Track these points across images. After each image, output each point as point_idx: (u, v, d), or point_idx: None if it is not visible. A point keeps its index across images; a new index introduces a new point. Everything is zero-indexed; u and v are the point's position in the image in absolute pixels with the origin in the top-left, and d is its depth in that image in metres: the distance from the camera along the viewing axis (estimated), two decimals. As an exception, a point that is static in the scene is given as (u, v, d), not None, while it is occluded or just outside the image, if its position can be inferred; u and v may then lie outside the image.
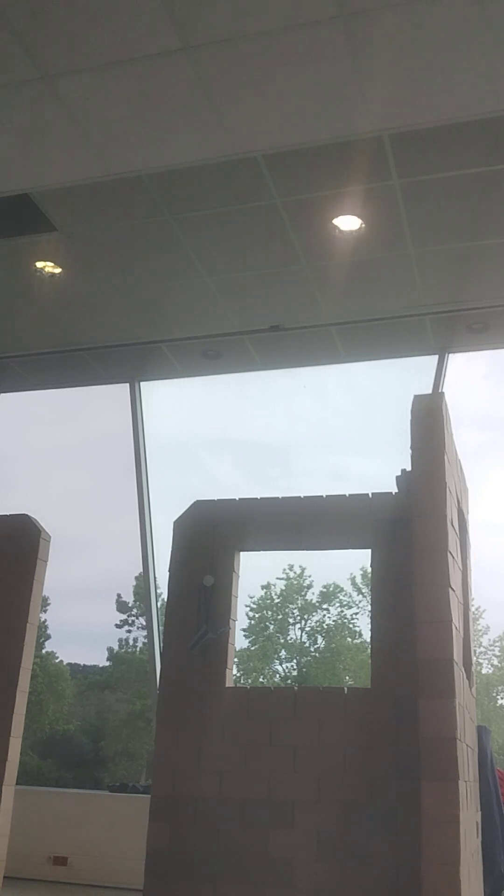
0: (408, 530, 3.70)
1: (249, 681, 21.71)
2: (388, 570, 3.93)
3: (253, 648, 22.72)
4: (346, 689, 3.93)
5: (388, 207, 4.99)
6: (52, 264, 5.83)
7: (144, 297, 6.18)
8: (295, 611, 23.45)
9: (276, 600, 23.41)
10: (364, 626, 22.43)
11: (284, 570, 23.38)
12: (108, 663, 23.75)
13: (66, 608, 27.83)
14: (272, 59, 3.87)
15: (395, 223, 5.13)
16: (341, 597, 23.14)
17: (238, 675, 21.11)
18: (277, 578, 23.41)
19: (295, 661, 23.04)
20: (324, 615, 23.18)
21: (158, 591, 7.39)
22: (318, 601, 23.33)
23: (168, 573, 4.30)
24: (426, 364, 6.60)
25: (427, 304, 5.99)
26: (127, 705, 22.24)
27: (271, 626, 23.23)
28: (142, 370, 7.23)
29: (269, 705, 3.92)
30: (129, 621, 23.62)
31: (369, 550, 4.02)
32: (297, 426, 10.00)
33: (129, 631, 23.62)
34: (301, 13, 3.62)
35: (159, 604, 7.05)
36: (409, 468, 3.73)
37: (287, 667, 23.05)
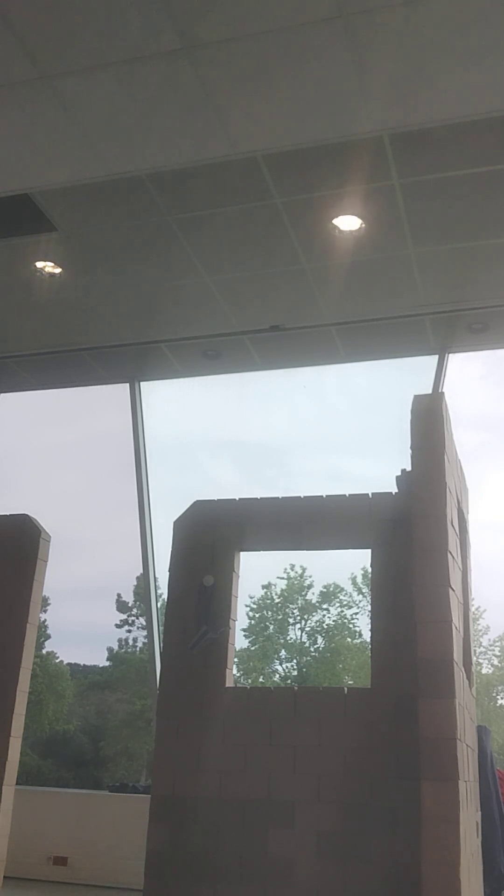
0: (408, 530, 3.70)
1: (249, 681, 21.71)
2: (388, 570, 3.93)
3: (253, 648, 22.73)
4: (346, 689, 3.94)
5: (388, 207, 4.99)
6: (52, 264, 5.83)
7: (144, 297, 6.18)
8: (295, 611, 23.45)
9: (277, 600, 23.42)
10: (364, 626, 22.45)
11: (285, 569, 23.42)
12: (108, 663, 23.78)
13: (66, 608, 27.88)
14: (272, 60, 3.87)
15: (395, 223, 5.13)
16: (341, 597, 23.15)
17: (238, 675, 21.12)
18: (278, 578, 23.46)
19: (295, 661, 23.05)
20: (324, 615, 23.20)
21: (158, 591, 7.39)
22: (318, 601, 23.34)
23: (168, 573, 4.30)
24: (426, 364, 6.60)
25: (427, 304, 5.99)
26: (127, 705, 22.26)
27: (271, 626, 23.23)
28: (142, 370, 7.23)
29: (269, 705, 3.92)
30: (129, 621, 23.66)
31: (369, 550, 4.03)
32: (297, 426, 9.99)
33: (129, 631, 23.67)
34: (301, 13, 3.62)
35: (159, 604, 7.05)
36: (409, 468, 3.73)
37: (287, 667, 23.07)
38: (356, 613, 22.83)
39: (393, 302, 6.02)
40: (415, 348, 6.57)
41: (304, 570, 23.52)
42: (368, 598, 12.03)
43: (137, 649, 23.26)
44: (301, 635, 23.20)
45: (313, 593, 23.43)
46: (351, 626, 22.89)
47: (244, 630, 22.32)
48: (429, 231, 5.20)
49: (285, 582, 23.56)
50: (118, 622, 23.71)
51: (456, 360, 6.61)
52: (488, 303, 5.94)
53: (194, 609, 4.14)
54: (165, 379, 7.36)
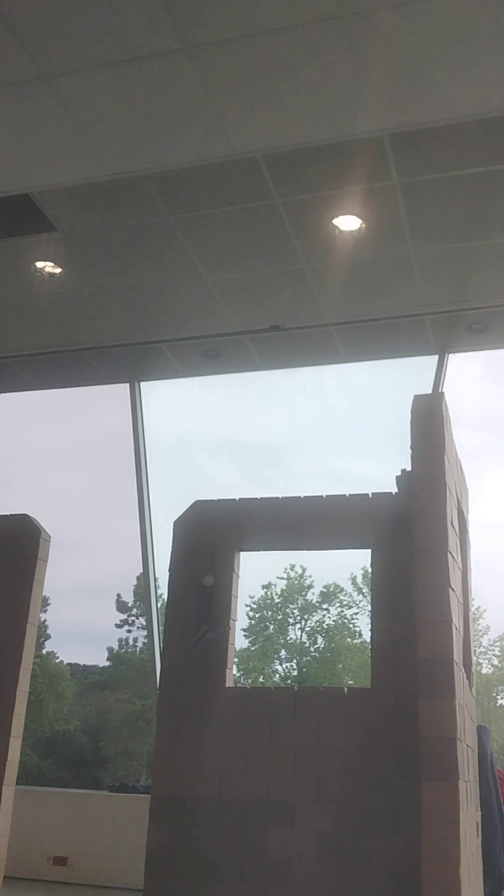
0: (408, 530, 3.70)
1: (249, 681, 21.71)
2: (388, 570, 3.93)
3: (253, 648, 22.72)
4: (346, 689, 3.93)
5: (388, 207, 4.99)
6: (52, 264, 5.83)
7: (144, 297, 6.18)
8: (295, 611, 23.45)
9: (277, 600, 23.42)
10: (364, 626, 22.45)
11: (285, 569, 23.42)
12: (108, 663, 23.79)
13: (66, 608, 27.90)
14: (272, 60, 3.87)
15: (395, 223, 5.13)
16: (341, 597, 23.15)
17: (238, 675, 21.11)
18: (278, 578, 23.46)
19: (295, 661, 23.05)
20: (324, 615, 23.20)
21: (158, 591, 7.39)
22: (318, 601, 23.34)
23: (168, 573, 4.30)
24: (426, 364, 6.60)
25: (427, 304, 5.99)
26: (127, 705, 22.26)
27: (271, 626, 23.23)
28: (142, 370, 7.24)
29: (269, 705, 3.92)
30: (129, 621, 23.66)
31: (369, 550, 4.03)
32: (297, 426, 9.99)
33: (129, 631, 23.68)
34: (301, 13, 3.62)
35: (159, 604, 7.05)
36: (409, 468, 3.73)
37: (287, 667, 23.07)
38: (356, 613, 22.85)
39: (393, 302, 6.02)
40: (415, 348, 6.57)
41: (304, 570, 23.54)
42: (368, 598, 12.03)
43: (137, 649, 23.27)
44: (301, 635, 23.21)
45: (313, 593, 23.45)
46: (351, 626, 22.90)
47: (244, 630, 22.34)
48: (429, 231, 5.20)
49: (285, 582, 23.57)
50: (118, 622, 23.73)
51: (456, 360, 6.62)
52: (488, 303, 5.94)
53: (194, 609, 4.14)
54: (165, 379, 7.36)
